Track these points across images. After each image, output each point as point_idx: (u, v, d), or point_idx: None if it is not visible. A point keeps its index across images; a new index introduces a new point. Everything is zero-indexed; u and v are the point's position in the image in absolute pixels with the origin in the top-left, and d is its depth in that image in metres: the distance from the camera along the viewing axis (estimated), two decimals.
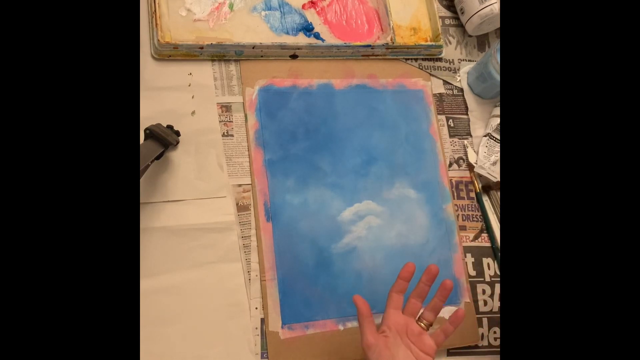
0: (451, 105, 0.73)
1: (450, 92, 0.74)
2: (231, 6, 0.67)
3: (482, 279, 0.66)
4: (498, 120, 0.71)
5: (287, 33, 0.68)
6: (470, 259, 0.67)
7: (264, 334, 0.57)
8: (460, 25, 0.76)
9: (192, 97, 0.63)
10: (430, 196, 0.67)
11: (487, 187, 0.70)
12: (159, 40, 0.61)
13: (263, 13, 0.68)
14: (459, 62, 0.75)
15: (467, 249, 0.67)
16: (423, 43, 0.72)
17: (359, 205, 0.64)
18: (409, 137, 0.69)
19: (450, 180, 0.69)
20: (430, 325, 0.52)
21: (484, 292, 0.66)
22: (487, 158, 0.70)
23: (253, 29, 0.67)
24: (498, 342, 0.64)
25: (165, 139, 0.57)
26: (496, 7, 0.71)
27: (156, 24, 0.62)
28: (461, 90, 0.74)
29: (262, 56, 0.66)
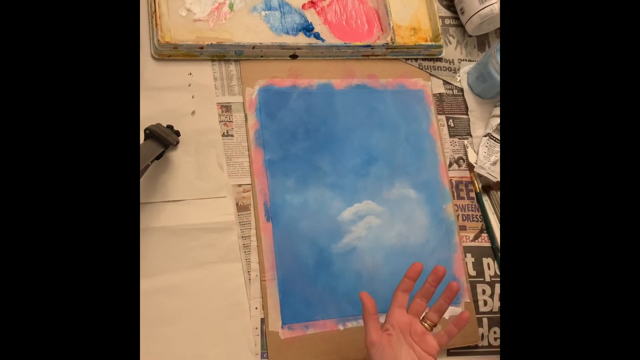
0: (451, 105, 0.73)
1: (450, 92, 0.74)
2: (231, 6, 0.67)
3: (482, 279, 0.66)
4: (498, 120, 0.71)
5: (287, 33, 0.68)
6: (470, 259, 0.67)
7: (264, 334, 0.57)
8: (460, 25, 0.76)
9: (192, 97, 0.63)
10: (430, 196, 0.67)
11: (487, 187, 0.70)
12: (159, 40, 0.61)
13: (263, 13, 0.68)
14: (459, 62, 0.75)
15: (467, 249, 0.67)
16: (423, 43, 0.72)
17: (359, 205, 0.64)
18: (409, 137, 0.69)
19: (450, 180, 0.69)
20: (434, 326, 0.52)
21: (484, 292, 0.66)
22: (487, 158, 0.70)
23: (253, 29, 0.67)
24: (498, 342, 0.64)
25: (165, 139, 0.57)
26: (496, 7, 0.71)
27: (156, 24, 0.62)
28: (461, 90, 0.74)
29: (262, 56, 0.66)
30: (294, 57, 0.68)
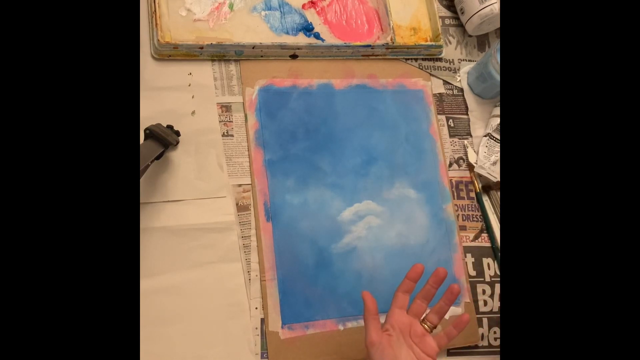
0: (451, 105, 0.73)
1: (450, 92, 0.74)
2: (231, 6, 0.67)
3: (482, 279, 0.66)
4: (498, 120, 0.71)
5: (287, 33, 0.68)
6: (470, 259, 0.67)
7: (264, 334, 0.57)
8: (460, 25, 0.76)
9: (192, 97, 0.63)
10: (430, 196, 0.67)
11: (487, 187, 0.70)
12: (159, 40, 0.61)
13: (263, 13, 0.68)
14: (459, 62, 0.75)
15: (467, 249, 0.67)
16: (423, 43, 0.72)
17: (359, 205, 0.64)
18: (409, 137, 0.69)
19: (450, 180, 0.69)
20: (434, 327, 0.52)
21: (484, 292, 0.66)
22: (487, 158, 0.70)
23: (253, 29, 0.67)
24: (498, 342, 0.64)
25: (165, 139, 0.57)
26: (496, 7, 0.71)
27: (156, 24, 0.62)
28: (461, 90, 0.74)
29: (262, 56, 0.66)
30: (294, 57, 0.68)
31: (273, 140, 0.64)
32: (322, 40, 0.69)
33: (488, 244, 0.68)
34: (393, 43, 0.70)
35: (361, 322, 0.59)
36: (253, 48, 0.65)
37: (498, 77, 0.68)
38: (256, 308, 0.58)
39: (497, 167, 0.69)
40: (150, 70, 0.62)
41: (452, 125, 0.72)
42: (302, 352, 0.58)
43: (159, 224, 0.58)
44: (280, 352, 0.57)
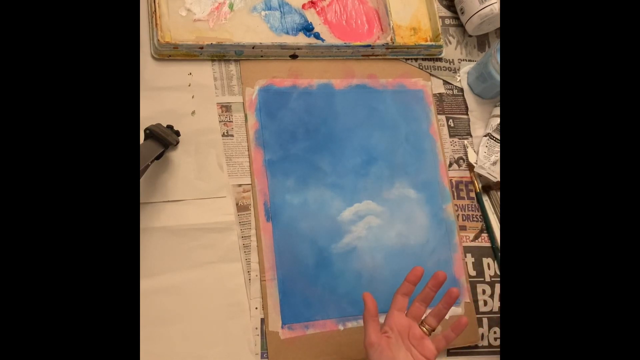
0: (451, 105, 0.73)
1: (450, 92, 0.74)
2: (231, 6, 0.67)
3: (482, 279, 0.66)
4: (498, 120, 0.71)
5: (287, 33, 0.68)
6: (470, 259, 0.67)
7: (264, 334, 0.57)
8: (460, 25, 0.76)
9: (192, 97, 0.63)
10: (430, 196, 0.67)
11: (487, 187, 0.70)
12: (159, 40, 0.61)
13: (263, 13, 0.68)
14: (459, 62, 0.75)
15: (467, 249, 0.67)
16: (423, 43, 0.72)
17: (359, 205, 0.64)
18: (409, 137, 0.69)
19: (450, 180, 0.69)
20: (433, 330, 0.52)
21: (484, 292, 0.66)
22: (487, 158, 0.70)
23: (253, 29, 0.67)
24: (498, 342, 0.64)
25: (165, 139, 0.57)
26: (496, 7, 0.71)
27: (156, 24, 0.62)
28: (461, 90, 0.74)
29: (262, 56, 0.66)
30: (294, 57, 0.68)
31: (273, 140, 0.64)
32: (322, 40, 0.69)
33: (488, 244, 0.68)
34: (393, 43, 0.70)
35: (361, 322, 0.59)
36: (253, 48, 0.65)
37: (498, 77, 0.68)
38: (256, 308, 0.58)
39: (497, 167, 0.69)
40: (150, 70, 0.62)
41: (452, 125, 0.72)
42: (302, 352, 0.58)
43: (159, 224, 0.58)
44: (280, 352, 0.57)
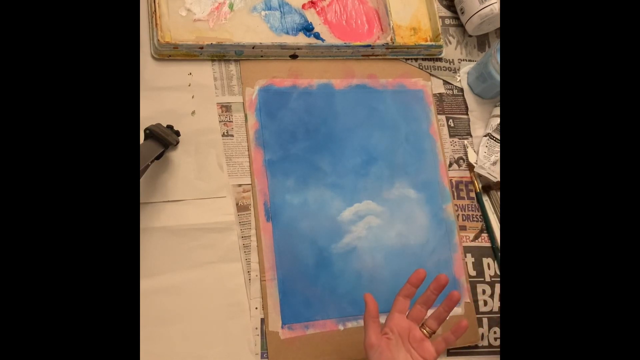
0: (451, 105, 0.73)
1: (450, 92, 0.74)
2: (231, 6, 0.67)
3: (482, 279, 0.66)
4: (498, 120, 0.71)
5: (287, 33, 0.68)
6: (470, 259, 0.67)
7: (264, 334, 0.57)
8: (460, 25, 0.76)
9: (192, 97, 0.63)
10: (430, 196, 0.67)
11: (487, 187, 0.70)
12: (159, 40, 0.61)
13: (263, 13, 0.68)
14: (459, 62, 0.75)
15: (467, 249, 0.67)
16: (423, 43, 0.72)
17: (359, 205, 0.64)
18: (409, 137, 0.69)
19: (450, 180, 0.69)
20: (433, 333, 0.52)
21: (484, 292, 0.66)
22: (487, 158, 0.70)
23: (253, 29, 0.67)
24: (498, 342, 0.64)
25: (165, 139, 0.57)
26: (496, 7, 0.71)
27: (156, 24, 0.62)
28: (461, 90, 0.74)
29: (262, 56, 0.66)
30: (294, 57, 0.68)
31: (273, 140, 0.64)
32: (322, 40, 0.69)
33: (488, 244, 0.68)
34: (393, 43, 0.70)
35: (361, 322, 0.59)
36: (253, 48, 0.65)
37: (498, 77, 0.68)
38: (256, 308, 0.58)
39: (497, 167, 0.69)
40: (150, 70, 0.62)
41: (452, 125, 0.72)
42: (302, 352, 0.58)
43: (159, 224, 0.58)
44: (280, 352, 0.57)
